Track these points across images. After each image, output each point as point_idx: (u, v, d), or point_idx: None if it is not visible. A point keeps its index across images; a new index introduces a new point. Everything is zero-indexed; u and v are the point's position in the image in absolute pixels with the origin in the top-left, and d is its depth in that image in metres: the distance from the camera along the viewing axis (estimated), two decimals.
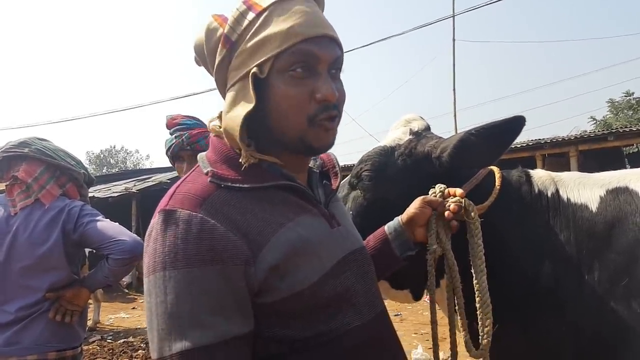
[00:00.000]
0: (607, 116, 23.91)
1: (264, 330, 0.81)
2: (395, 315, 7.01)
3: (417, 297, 1.43)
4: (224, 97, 0.91)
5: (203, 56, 0.93)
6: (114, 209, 9.03)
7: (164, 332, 0.74)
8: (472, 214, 1.16)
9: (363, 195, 1.41)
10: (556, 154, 11.04)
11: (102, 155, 50.78)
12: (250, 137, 0.86)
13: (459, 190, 1.19)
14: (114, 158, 51.39)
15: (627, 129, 10.63)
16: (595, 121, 24.02)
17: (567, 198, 1.27)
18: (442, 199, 1.18)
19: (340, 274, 0.87)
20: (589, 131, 13.35)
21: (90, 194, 2.24)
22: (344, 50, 0.92)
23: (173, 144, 2.02)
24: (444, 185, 1.22)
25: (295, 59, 0.83)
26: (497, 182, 1.33)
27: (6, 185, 1.94)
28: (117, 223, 1.98)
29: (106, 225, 1.92)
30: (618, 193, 1.22)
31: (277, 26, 0.83)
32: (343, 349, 0.85)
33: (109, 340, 6.44)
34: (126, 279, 10.47)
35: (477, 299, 1.13)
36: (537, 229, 1.27)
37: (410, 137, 1.43)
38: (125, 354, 5.69)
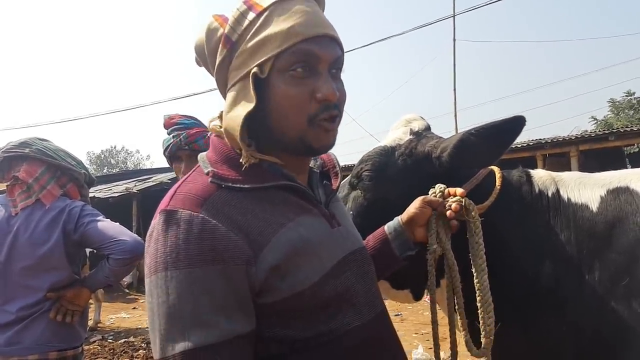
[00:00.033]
0: (608, 116, 23.87)
1: (265, 331, 0.81)
2: (396, 315, 7.02)
3: (417, 297, 1.44)
4: (224, 97, 0.92)
5: (204, 56, 0.93)
6: (115, 209, 9.03)
7: (167, 332, 0.74)
8: (473, 213, 1.16)
9: (363, 195, 1.41)
10: (557, 153, 11.03)
11: (102, 156, 50.78)
12: (250, 137, 0.86)
13: (459, 190, 1.19)
14: (115, 158, 51.39)
15: (628, 129, 10.61)
16: (596, 121, 23.99)
17: (568, 198, 1.27)
18: (442, 199, 1.18)
19: (340, 274, 0.87)
20: (589, 131, 13.33)
21: (90, 194, 2.24)
22: (345, 50, 0.92)
23: (171, 143, 1.98)
24: (444, 185, 1.22)
25: (295, 59, 0.83)
26: (498, 182, 1.33)
27: (7, 186, 1.94)
28: (117, 223, 1.98)
29: (107, 225, 1.92)
30: (619, 193, 1.22)
31: (277, 26, 0.83)
32: (343, 349, 0.85)
33: (110, 340, 6.45)
34: (127, 279, 10.47)
35: (478, 298, 1.13)
36: (537, 229, 1.27)
37: (411, 137, 1.43)
38: (126, 354, 5.70)
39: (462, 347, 1.20)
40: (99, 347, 6.01)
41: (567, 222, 1.24)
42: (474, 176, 1.33)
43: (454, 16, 14.48)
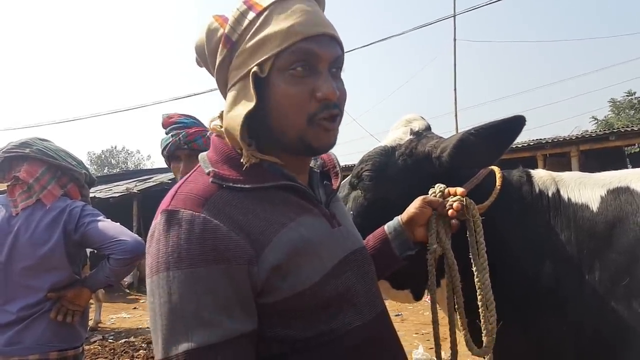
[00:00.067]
0: (609, 116, 23.87)
1: (266, 330, 0.81)
2: (396, 316, 7.02)
3: (417, 297, 1.44)
4: (225, 97, 0.92)
5: (204, 57, 0.93)
6: (115, 209, 9.03)
7: (169, 332, 0.74)
8: (474, 211, 1.17)
9: (363, 195, 1.41)
10: (557, 153, 11.02)
11: (103, 156, 50.79)
12: (251, 137, 0.86)
13: (459, 189, 1.19)
14: (115, 158, 51.41)
15: (628, 129, 10.60)
16: (596, 121, 23.98)
17: (568, 198, 1.27)
18: (442, 199, 1.18)
19: (341, 274, 0.87)
20: (590, 131, 13.32)
21: (91, 194, 2.25)
22: (345, 50, 0.92)
23: (169, 142, 1.93)
24: (444, 185, 1.22)
25: (295, 58, 0.83)
26: (498, 182, 1.33)
27: (8, 186, 1.94)
28: (118, 223, 1.98)
29: (107, 225, 1.92)
30: (619, 193, 1.22)
31: (277, 25, 0.83)
32: (344, 348, 0.85)
33: (111, 340, 6.45)
34: (127, 279, 10.47)
35: (479, 297, 1.13)
36: (537, 229, 1.27)
37: (411, 137, 1.43)
38: (126, 354, 5.70)
39: (462, 347, 1.20)
40: (100, 347, 6.02)
41: (567, 222, 1.24)
42: (474, 176, 1.33)
43: (454, 16, 14.49)
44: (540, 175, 1.35)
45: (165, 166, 2.07)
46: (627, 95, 23.40)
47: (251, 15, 0.85)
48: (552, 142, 10.79)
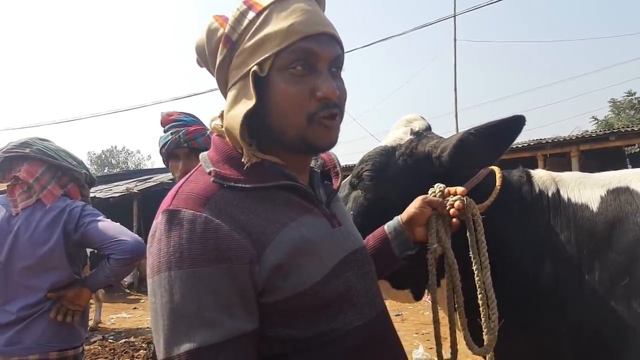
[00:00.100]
0: (609, 116, 23.86)
1: (267, 330, 0.81)
2: (396, 315, 7.02)
3: (417, 297, 1.44)
4: (225, 96, 0.92)
5: (204, 57, 0.93)
6: (115, 209, 9.03)
7: (171, 332, 0.74)
8: (474, 210, 1.17)
9: (364, 195, 1.41)
10: (557, 154, 11.02)
11: (103, 156, 50.77)
12: (251, 137, 0.86)
13: (459, 189, 1.19)
14: (115, 158, 51.40)
15: (629, 129, 10.60)
16: (597, 121, 23.97)
17: (568, 198, 1.27)
18: (442, 199, 1.18)
19: (341, 273, 0.87)
20: (590, 131, 13.32)
21: (91, 194, 2.25)
22: (345, 50, 0.92)
23: (169, 140, 1.90)
24: (444, 185, 1.22)
25: (295, 57, 0.83)
26: (498, 182, 1.33)
27: (8, 186, 1.95)
28: (118, 223, 1.98)
29: (107, 225, 1.92)
30: (619, 193, 1.22)
31: (277, 24, 0.83)
32: (344, 348, 0.85)
33: (111, 340, 6.45)
34: (127, 279, 10.47)
35: (479, 296, 1.13)
36: (537, 229, 1.27)
37: (411, 137, 1.44)
38: (126, 354, 5.70)
39: (463, 346, 1.20)
40: (100, 347, 6.01)
41: (567, 222, 1.24)
42: (474, 176, 1.33)
43: (454, 16, 14.50)
44: (540, 175, 1.35)
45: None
46: (627, 96, 23.39)
47: (251, 14, 0.85)
48: (552, 142, 10.79)
